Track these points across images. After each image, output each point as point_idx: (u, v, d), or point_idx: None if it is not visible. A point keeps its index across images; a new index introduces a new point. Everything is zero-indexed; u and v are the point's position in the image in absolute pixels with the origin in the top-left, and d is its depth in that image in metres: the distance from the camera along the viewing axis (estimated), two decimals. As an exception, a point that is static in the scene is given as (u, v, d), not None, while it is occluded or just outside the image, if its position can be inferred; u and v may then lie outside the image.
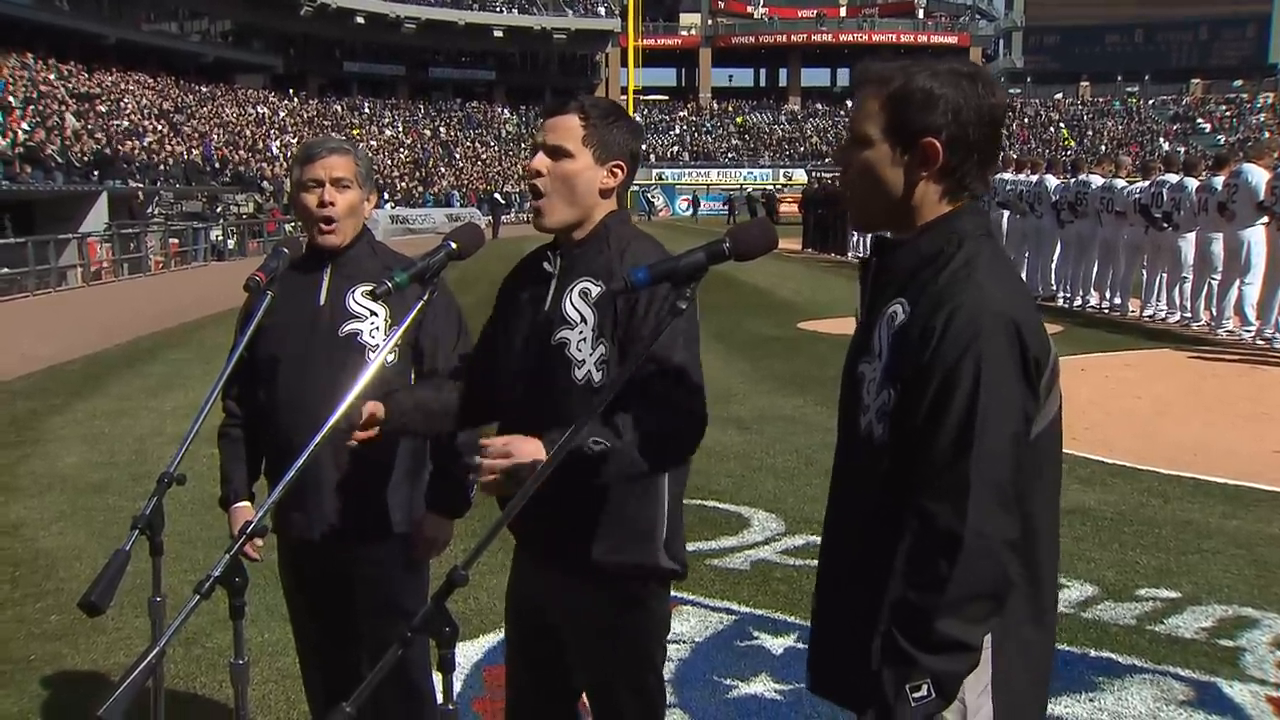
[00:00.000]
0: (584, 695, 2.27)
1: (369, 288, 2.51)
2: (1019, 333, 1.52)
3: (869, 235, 1.79)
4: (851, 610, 1.63)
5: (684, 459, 2.08)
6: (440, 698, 1.67)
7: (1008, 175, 15.52)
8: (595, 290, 2.06)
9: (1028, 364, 1.53)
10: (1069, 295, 14.01)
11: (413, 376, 2.59)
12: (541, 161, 2.09)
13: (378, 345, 2.53)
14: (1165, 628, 3.98)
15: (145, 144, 32.50)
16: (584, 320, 2.06)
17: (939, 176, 1.61)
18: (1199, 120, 65.19)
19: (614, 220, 2.14)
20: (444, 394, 2.31)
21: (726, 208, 46.25)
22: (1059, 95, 70.78)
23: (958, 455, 1.49)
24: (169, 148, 33.85)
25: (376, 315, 2.58)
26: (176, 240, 26.66)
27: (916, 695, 1.48)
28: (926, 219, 1.63)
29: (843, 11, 69.50)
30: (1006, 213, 15.11)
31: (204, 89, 45.26)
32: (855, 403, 1.65)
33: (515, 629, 2.31)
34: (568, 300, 2.08)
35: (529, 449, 1.86)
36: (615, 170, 2.11)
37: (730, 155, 62.22)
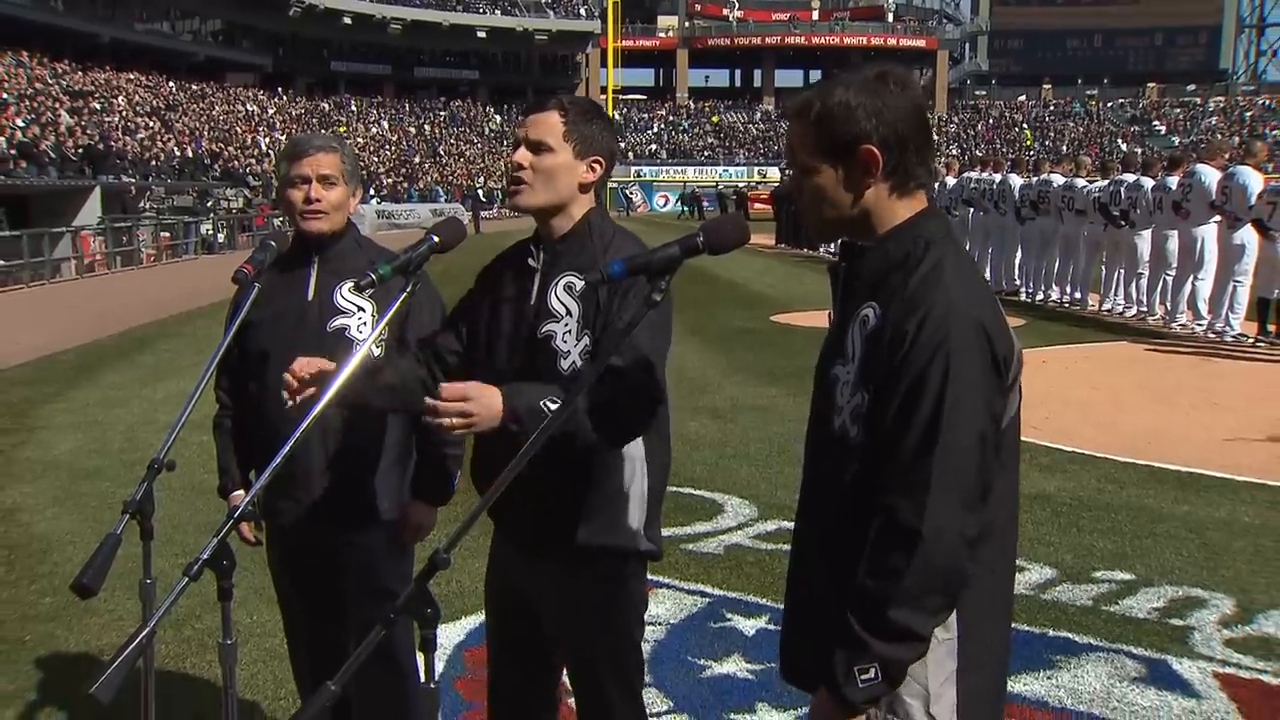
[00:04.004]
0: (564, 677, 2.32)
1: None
2: (986, 333, 1.57)
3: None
4: (821, 605, 1.66)
5: (632, 434, 2.09)
6: (423, 677, 1.71)
7: (973, 174, 15.77)
8: (579, 284, 2.12)
9: (996, 362, 1.58)
10: (1031, 290, 14.23)
11: None
12: (524, 155, 2.15)
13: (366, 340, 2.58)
14: (1119, 608, 4.10)
15: (138, 140, 32.37)
16: (569, 313, 2.12)
17: (885, 177, 1.65)
18: (1155, 122, 66.23)
19: (595, 217, 2.19)
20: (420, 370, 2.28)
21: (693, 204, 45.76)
22: (1022, 97, 71.48)
23: (922, 453, 1.53)
24: (161, 144, 33.68)
25: (364, 310, 2.60)
26: (168, 234, 26.66)
27: (864, 677, 1.54)
28: (885, 220, 1.68)
29: (815, 15, 69.75)
30: (972, 210, 15.35)
31: (195, 87, 45.21)
32: (829, 403, 1.67)
33: (495, 611, 2.36)
34: (553, 294, 2.13)
35: (487, 408, 1.89)
36: (594, 165, 2.17)
37: (706, 154, 62.28)
